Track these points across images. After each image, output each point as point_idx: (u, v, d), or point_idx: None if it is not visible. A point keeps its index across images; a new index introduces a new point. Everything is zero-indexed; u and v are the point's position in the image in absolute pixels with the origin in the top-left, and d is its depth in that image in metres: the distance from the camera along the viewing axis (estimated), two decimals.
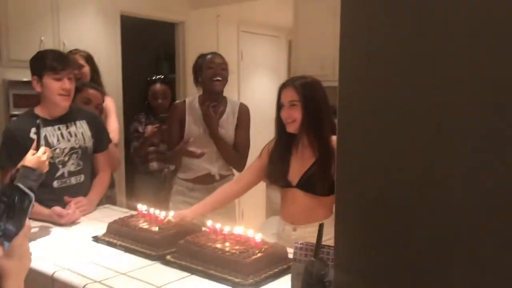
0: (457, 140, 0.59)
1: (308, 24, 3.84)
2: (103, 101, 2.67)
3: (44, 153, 1.87)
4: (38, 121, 1.85)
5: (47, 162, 1.86)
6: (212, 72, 2.55)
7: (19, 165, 1.75)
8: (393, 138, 0.66)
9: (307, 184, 1.88)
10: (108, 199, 2.55)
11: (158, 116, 3.27)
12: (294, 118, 1.86)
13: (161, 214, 1.85)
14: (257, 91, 5.32)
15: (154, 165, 3.21)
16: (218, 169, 2.56)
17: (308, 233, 1.83)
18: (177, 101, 2.83)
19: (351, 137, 0.71)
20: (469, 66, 0.58)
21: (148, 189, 3.20)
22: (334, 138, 1.86)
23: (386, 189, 0.67)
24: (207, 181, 2.54)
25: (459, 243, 0.59)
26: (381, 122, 0.67)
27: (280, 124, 1.95)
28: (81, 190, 2.21)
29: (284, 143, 1.96)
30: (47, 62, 2.09)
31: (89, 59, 2.93)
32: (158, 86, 3.35)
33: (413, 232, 0.64)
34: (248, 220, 4.53)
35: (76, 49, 3.00)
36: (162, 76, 3.48)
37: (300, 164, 1.92)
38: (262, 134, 3.01)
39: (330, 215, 1.91)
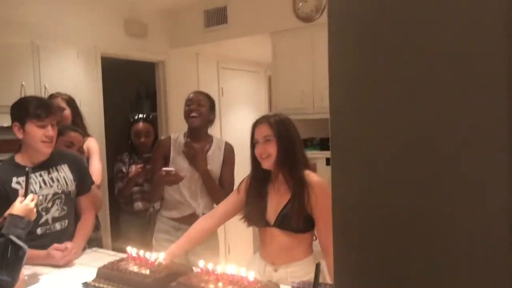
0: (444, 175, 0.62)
1: (287, 60, 3.94)
2: (83, 143, 2.69)
3: (32, 200, 1.86)
4: (27, 169, 1.84)
5: (35, 210, 1.85)
6: (188, 109, 2.59)
7: (6, 214, 1.74)
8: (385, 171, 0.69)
9: (284, 222, 1.87)
10: (94, 241, 2.52)
11: (142, 156, 3.27)
12: (269, 153, 1.88)
13: (151, 256, 1.84)
14: (239, 126, 5.38)
15: (139, 205, 3.18)
16: (203, 209, 2.55)
17: (290, 274, 1.84)
18: (162, 138, 2.85)
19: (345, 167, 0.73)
20: (450, 93, 0.62)
21: (134, 230, 3.17)
22: (307, 172, 1.90)
23: (384, 224, 0.69)
24: (192, 221, 2.51)
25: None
26: (373, 151, 0.69)
27: (255, 162, 1.96)
28: (65, 235, 2.19)
29: (259, 180, 1.97)
30: (31, 110, 2.08)
31: (70, 101, 2.95)
32: (140, 125, 3.36)
33: (418, 270, 0.66)
34: (235, 255, 4.50)
35: (57, 92, 3.02)
36: (144, 115, 3.48)
37: (276, 202, 1.92)
38: (243, 169, 3.04)
39: (311, 253, 1.93)
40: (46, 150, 2.14)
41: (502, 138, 0.59)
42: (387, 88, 0.69)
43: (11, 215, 1.72)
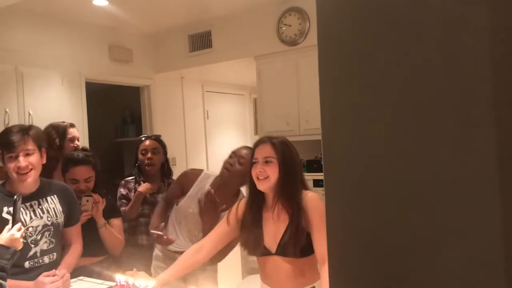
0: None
1: (271, 83, 3.98)
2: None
3: (19, 229, 1.82)
4: (15, 197, 1.80)
5: (21, 240, 1.81)
6: (225, 162, 2.39)
7: None
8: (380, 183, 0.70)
9: (287, 249, 1.79)
10: (95, 274, 2.40)
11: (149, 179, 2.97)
12: (268, 175, 1.79)
13: (141, 284, 1.81)
14: (225, 148, 5.36)
15: (143, 238, 2.87)
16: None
17: None
18: (188, 170, 2.68)
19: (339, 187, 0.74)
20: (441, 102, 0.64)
21: (137, 263, 2.71)
22: (306, 193, 1.83)
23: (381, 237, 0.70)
24: None
25: None
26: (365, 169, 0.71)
27: (252, 184, 1.86)
28: (53, 268, 2.13)
29: (256, 204, 1.88)
30: (4, 140, 2.03)
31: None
32: (148, 142, 3.02)
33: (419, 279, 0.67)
34: (224, 280, 4.44)
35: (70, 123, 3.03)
36: (152, 135, 3.19)
37: (275, 229, 1.83)
38: None
39: (319, 277, 1.84)
40: (22, 181, 2.05)
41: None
42: (377, 108, 0.70)
43: None
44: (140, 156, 2.99)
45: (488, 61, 0.61)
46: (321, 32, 0.75)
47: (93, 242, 2.46)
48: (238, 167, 2.30)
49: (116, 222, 2.56)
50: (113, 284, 1.96)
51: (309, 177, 3.55)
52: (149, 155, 2.93)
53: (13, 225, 1.76)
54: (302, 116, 3.79)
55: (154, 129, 4.67)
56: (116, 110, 5.35)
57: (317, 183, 3.49)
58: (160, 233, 2.37)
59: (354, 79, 0.73)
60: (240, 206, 1.96)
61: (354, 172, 0.73)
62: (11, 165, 2.02)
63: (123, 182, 3.02)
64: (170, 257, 2.48)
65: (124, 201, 2.93)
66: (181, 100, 5.01)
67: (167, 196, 2.60)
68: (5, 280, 1.00)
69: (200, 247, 1.99)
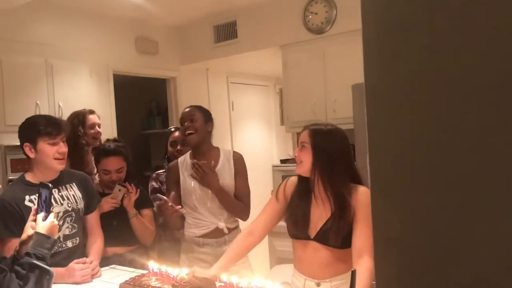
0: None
1: (297, 72, 3.94)
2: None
3: (55, 217, 1.86)
4: (50, 185, 1.83)
5: (57, 227, 1.84)
6: (183, 128, 2.51)
7: (28, 233, 1.73)
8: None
9: (326, 237, 1.79)
10: (127, 262, 2.44)
11: None
12: (301, 159, 1.83)
13: (173, 272, 1.82)
14: (250, 139, 5.38)
15: (178, 233, 2.74)
16: (225, 222, 2.47)
17: (333, 287, 1.78)
18: (170, 163, 2.68)
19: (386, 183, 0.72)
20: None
21: (174, 258, 2.68)
22: (352, 186, 1.80)
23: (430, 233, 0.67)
24: (217, 235, 2.46)
25: None
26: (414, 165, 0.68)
27: None
28: (77, 252, 2.19)
29: (305, 186, 1.88)
30: (41, 128, 2.09)
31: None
32: (177, 133, 3.02)
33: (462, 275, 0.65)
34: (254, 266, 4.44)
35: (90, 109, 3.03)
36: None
37: (318, 216, 1.83)
38: (255, 182, 2.98)
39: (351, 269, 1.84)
40: (59, 167, 2.15)
41: None
42: (428, 94, 0.67)
43: (37, 233, 1.71)
44: (169, 148, 2.98)
45: None
46: (366, 14, 0.72)
47: (124, 232, 2.49)
48: (196, 125, 2.45)
49: (147, 212, 2.59)
50: (145, 272, 1.97)
51: None
52: (179, 147, 2.91)
53: (47, 213, 1.78)
54: (329, 106, 3.75)
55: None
56: (143, 102, 5.40)
57: None
58: (165, 197, 2.39)
59: (402, 65, 0.69)
60: (288, 184, 1.97)
61: (400, 164, 0.70)
62: (51, 151, 2.09)
63: (154, 175, 3.01)
64: (199, 243, 2.47)
65: (157, 194, 2.87)
66: (207, 92, 5.02)
67: (169, 196, 2.54)
68: (52, 274, 1.02)
69: (251, 230, 1.99)
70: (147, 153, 5.37)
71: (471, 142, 0.63)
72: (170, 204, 2.37)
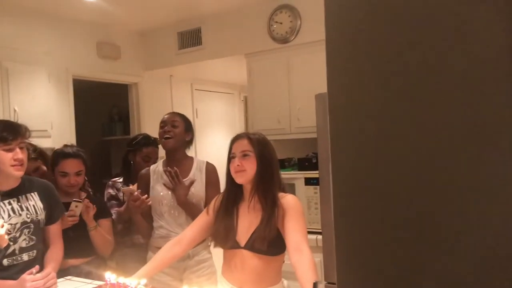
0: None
1: (262, 81, 3.94)
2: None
3: (2, 226, 1.78)
4: None
5: (5, 237, 1.76)
6: (161, 131, 2.50)
7: None
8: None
9: (256, 244, 1.80)
10: (83, 274, 2.36)
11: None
12: (245, 168, 1.83)
13: (131, 283, 1.77)
14: (214, 147, 5.34)
15: (139, 238, 2.73)
16: None
17: None
18: (142, 171, 2.63)
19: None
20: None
21: (133, 264, 2.54)
22: (281, 194, 1.86)
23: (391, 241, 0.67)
24: None
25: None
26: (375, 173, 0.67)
27: (229, 178, 1.91)
28: (33, 266, 2.08)
29: (232, 198, 1.91)
30: None
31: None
32: (151, 149, 2.96)
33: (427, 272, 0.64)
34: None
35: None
36: (152, 138, 3.03)
37: (248, 223, 1.86)
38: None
39: (280, 279, 1.89)
40: (17, 173, 2.05)
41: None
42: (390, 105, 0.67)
43: None
44: (139, 160, 2.92)
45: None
46: (330, 25, 0.71)
47: (81, 243, 2.41)
48: (176, 130, 2.46)
49: (106, 222, 2.52)
50: (102, 283, 1.91)
51: (301, 175, 3.52)
52: (150, 163, 2.82)
53: None
54: (294, 114, 3.76)
55: (142, 127, 4.60)
56: (103, 108, 5.27)
57: (308, 181, 3.47)
58: (132, 188, 2.38)
59: (364, 75, 0.69)
60: (218, 198, 2.00)
61: (362, 172, 0.70)
62: (7, 157, 1.99)
63: (110, 182, 2.95)
64: None
65: (114, 201, 2.85)
66: (170, 98, 4.96)
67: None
68: None
69: (180, 240, 2.01)
70: (107, 160, 5.24)
71: (435, 150, 0.63)
72: (136, 193, 2.35)
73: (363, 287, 0.70)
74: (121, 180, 2.93)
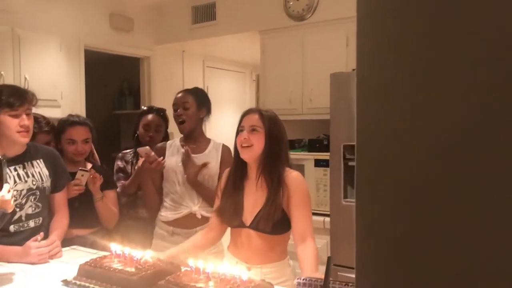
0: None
1: (275, 59, 3.88)
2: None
3: (8, 191, 1.75)
4: (0, 158, 1.73)
5: (12, 201, 1.74)
6: (175, 115, 2.45)
7: None
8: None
9: (261, 224, 1.79)
10: (88, 244, 2.33)
11: None
12: (252, 143, 1.77)
13: (137, 254, 1.74)
14: (223, 126, 5.29)
15: (143, 212, 2.71)
16: (199, 208, 2.39)
17: (264, 274, 1.77)
18: (158, 144, 2.59)
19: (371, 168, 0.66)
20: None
21: (137, 237, 2.58)
22: (290, 172, 1.82)
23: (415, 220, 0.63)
24: (189, 224, 2.38)
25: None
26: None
27: (236, 153, 1.87)
28: (39, 233, 2.07)
29: (239, 175, 1.87)
30: (3, 99, 1.96)
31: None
32: (150, 117, 2.83)
33: (447, 262, 0.60)
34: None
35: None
36: (156, 107, 2.94)
37: (253, 203, 1.83)
38: None
39: (286, 256, 1.87)
40: (22, 140, 2.01)
41: None
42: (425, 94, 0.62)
43: None
44: (141, 130, 2.83)
45: None
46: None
47: (87, 213, 2.40)
48: (188, 112, 2.41)
49: (111, 194, 2.50)
50: (107, 254, 1.89)
51: (311, 156, 3.48)
52: (151, 133, 2.78)
53: (0, 188, 1.68)
54: (306, 95, 3.70)
55: (152, 102, 4.56)
56: (114, 81, 5.23)
57: (318, 163, 3.42)
58: (149, 148, 2.35)
59: (399, 55, 0.64)
60: (223, 177, 1.97)
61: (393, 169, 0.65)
62: (13, 123, 1.96)
63: (120, 154, 2.90)
64: (170, 231, 2.42)
65: (121, 174, 2.81)
66: (181, 74, 4.91)
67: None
68: None
69: (210, 228, 2.00)
70: (116, 134, 5.22)
71: (470, 141, 0.58)
72: (153, 153, 2.32)
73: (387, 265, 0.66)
74: (131, 152, 2.88)
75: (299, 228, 1.75)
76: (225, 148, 2.50)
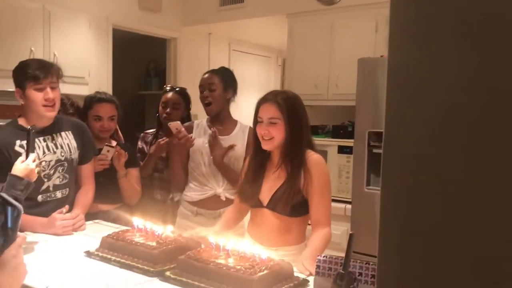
0: None
1: (303, 43, 3.84)
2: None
3: (34, 160, 1.79)
4: (29, 127, 1.76)
5: (36, 171, 1.77)
6: (201, 96, 2.43)
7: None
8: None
9: (277, 204, 1.78)
10: (111, 219, 2.38)
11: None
12: (272, 136, 1.76)
13: (158, 229, 1.76)
14: (246, 109, 5.29)
15: (157, 193, 2.72)
16: (224, 190, 2.38)
17: (279, 257, 1.71)
18: (186, 124, 2.55)
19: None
20: None
21: (154, 215, 2.49)
22: (311, 154, 1.80)
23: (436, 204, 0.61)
24: (213, 206, 2.38)
25: None
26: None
27: (256, 140, 1.85)
28: (66, 204, 2.11)
29: (259, 160, 1.87)
30: (29, 72, 1.98)
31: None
32: (170, 94, 2.76)
33: (466, 245, 0.58)
34: None
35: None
36: (177, 87, 2.86)
37: (272, 183, 1.82)
38: None
39: (303, 240, 1.85)
40: (48, 114, 2.04)
41: None
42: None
43: (11, 175, 1.65)
44: (160, 108, 2.79)
45: None
46: None
47: (110, 189, 2.43)
48: (214, 94, 2.39)
49: (134, 172, 2.52)
50: (129, 228, 1.91)
51: (335, 143, 3.45)
52: (168, 109, 2.72)
53: (27, 157, 1.71)
54: (332, 80, 3.66)
55: (177, 84, 4.57)
56: (141, 62, 5.26)
57: (342, 150, 3.39)
58: (179, 122, 2.34)
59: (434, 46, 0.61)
60: (247, 159, 1.98)
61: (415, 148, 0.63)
62: (38, 97, 1.98)
63: (142, 134, 2.89)
64: (194, 212, 2.42)
65: (139, 155, 2.80)
66: (207, 57, 4.90)
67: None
68: (20, 211, 0.95)
69: (235, 207, 2.03)
70: (141, 115, 5.27)
71: (503, 136, 0.56)
72: (183, 129, 2.32)
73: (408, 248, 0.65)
74: (152, 133, 2.86)
75: (316, 214, 1.75)
76: (251, 130, 2.43)
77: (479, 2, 0.58)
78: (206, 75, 2.48)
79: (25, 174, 1.71)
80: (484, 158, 0.58)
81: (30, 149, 1.78)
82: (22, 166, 1.74)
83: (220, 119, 2.45)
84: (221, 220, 2.05)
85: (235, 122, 2.51)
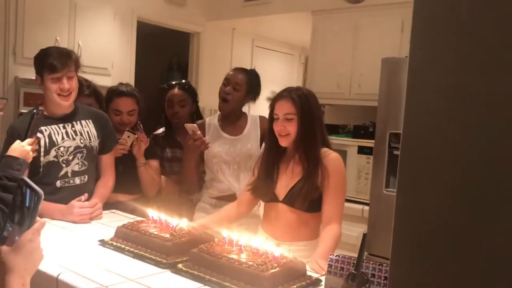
0: None
1: (326, 41, 3.80)
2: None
3: (31, 144, 1.81)
4: (34, 111, 1.78)
5: (31, 153, 1.79)
6: (222, 90, 2.37)
7: None
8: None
9: (294, 199, 1.79)
10: (128, 210, 2.37)
11: (178, 140, 2.63)
12: (289, 132, 1.78)
13: (172, 221, 1.76)
14: (267, 107, 5.28)
15: (175, 195, 2.63)
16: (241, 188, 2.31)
17: (292, 252, 1.75)
18: (198, 121, 2.49)
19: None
20: None
21: (170, 209, 2.36)
22: (324, 150, 1.80)
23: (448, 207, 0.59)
24: (232, 200, 2.28)
25: None
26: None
27: (271, 136, 1.86)
28: (84, 191, 2.12)
29: (273, 155, 1.87)
30: (47, 61, 1.99)
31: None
32: (175, 91, 2.64)
33: (478, 248, 0.56)
34: None
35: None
36: (180, 81, 2.72)
37: (289, 178, 1.83)
38: None
39: (317, 236, 1.83)
40: (63, 103, 2.05)
41: None
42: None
43: (5, 156, 1.68)
44: (166, 108, 2.66)
45: None
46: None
47: (129, 179, 2.43)
48: (236, 94, 2.33)
49: (154, 163, 2.52)
50: (144, 219, 1.92)
51: (354, 143, 3.40)
52: (175, 108, 2.60)
53: (29, 138, 1.75)
54: (355, 80, 3.61)
55: (199, 78, 4.59)
56: (164, 56, 5.29)
57: (362, 150, 3.34)
58: (195, 125, 2.29)
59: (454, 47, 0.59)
60: (260, 155, 1.99)
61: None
62: (54, 87, 2.01)
63: (152, 136, 2.65)
64: (213, 204, 2.40)
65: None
66: (230, 52, 4.90)
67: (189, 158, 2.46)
68: (41, 195, 0.96)
69: (239, 202, 2.02)
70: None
71: None
72: (199, 132, 2.26)
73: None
74: (162, 133, 2.74)
75: (327, 212, 1.75)
76: (262, 120, 2.42)
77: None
78: (236, 72, 2.39)
79: (20, 154, 1.73)
80: (505, 162, 0.56)
81: (30, 131, 1.80)
82: (17, 147, 1.76)
83: (232, 119, 2.40)
84: (219, 212, 2.05)
85: (245, 118, 2.44)
